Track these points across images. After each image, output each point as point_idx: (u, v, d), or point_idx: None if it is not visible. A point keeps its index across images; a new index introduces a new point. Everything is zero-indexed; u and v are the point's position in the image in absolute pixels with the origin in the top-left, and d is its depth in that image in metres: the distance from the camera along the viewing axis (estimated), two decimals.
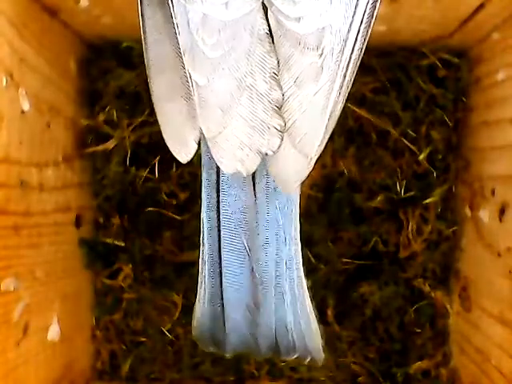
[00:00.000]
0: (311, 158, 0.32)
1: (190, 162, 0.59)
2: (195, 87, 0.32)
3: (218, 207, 0.37)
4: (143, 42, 0.34)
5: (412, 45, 0.57)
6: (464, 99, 0.58)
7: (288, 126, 0.32)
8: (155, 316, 0.60)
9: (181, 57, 0.32)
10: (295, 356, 0.40)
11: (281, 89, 0.31)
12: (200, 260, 0.40)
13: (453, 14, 0.49)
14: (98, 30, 0.55)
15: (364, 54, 0.58)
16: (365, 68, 0.58)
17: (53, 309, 0.52)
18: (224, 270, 0.38)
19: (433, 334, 0.60)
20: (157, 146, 0.58)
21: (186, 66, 0.32)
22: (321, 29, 0.30)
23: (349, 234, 0.58)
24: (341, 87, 0.31)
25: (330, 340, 0.60)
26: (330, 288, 0.59)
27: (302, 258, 0.38)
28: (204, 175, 0.37)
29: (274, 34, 0.31)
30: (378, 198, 0.58)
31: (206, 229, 0.38)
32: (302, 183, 0.34)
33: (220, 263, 0.38)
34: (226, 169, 0.32)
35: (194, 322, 0.41)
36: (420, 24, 0.52)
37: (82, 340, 0.59)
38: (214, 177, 0.36)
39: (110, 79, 0.58)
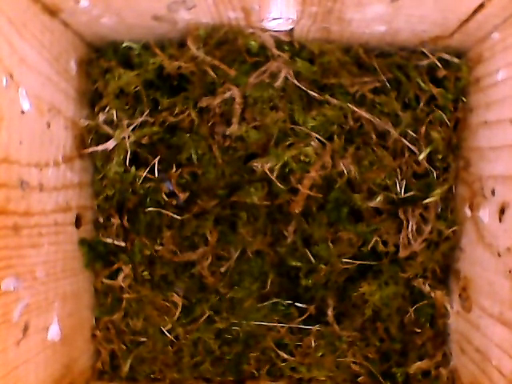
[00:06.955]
0: None
1: (190, 161, 0.59)
2: None
3: None
4: None
5: (412, 45, 0.57)
6: (464, 99, 0.58)
7: None
8: (155, 316, 0.60)
9: None
10: None
11: None
12: None
13: (453, 14, 0.49)
14: (97, 30, 0.55)
15: (364, 53, 0.58)
16: (365, 68, 0.58)
17: (53, 309, 0.52)
18: None
19: (433, 334, 0.60)
20: (157, 146, 0.58)
21: None
22: None
23: (349, 234, 0.58)
24: None
25: (329, 340, 0.60)
26: (330, 288, 0.59)
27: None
28: None
29: None
30: (378, 198, 0.58)
31: None
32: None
33: None
34: None
35: None
36: (420, 24, 0.52)
37: (82, 340, 0.59)
38: None
39: (110, 79, 0.58)
